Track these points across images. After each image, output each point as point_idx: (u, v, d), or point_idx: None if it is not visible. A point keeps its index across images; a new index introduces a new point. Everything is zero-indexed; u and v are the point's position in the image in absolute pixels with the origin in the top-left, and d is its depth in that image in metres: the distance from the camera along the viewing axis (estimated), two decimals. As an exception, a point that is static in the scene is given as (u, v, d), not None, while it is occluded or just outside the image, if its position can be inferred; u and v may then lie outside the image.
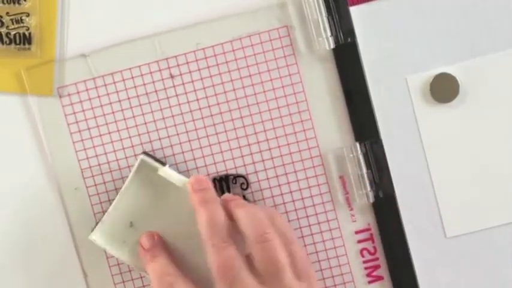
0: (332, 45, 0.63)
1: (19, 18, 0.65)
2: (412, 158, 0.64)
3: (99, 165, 0.66)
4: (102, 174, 0.66)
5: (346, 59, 0.64)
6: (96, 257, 0.66)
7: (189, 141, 0.65)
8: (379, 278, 0.65)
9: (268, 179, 0.65)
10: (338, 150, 0.64)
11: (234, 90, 0.65)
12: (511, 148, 0.63)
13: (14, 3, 0.64)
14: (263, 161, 0.65)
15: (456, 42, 0.63)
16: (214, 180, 0.65)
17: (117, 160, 0.66)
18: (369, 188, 0.63)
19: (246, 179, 0.65)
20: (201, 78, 0.65)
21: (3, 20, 0.64)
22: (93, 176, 0.66)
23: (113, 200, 0.63)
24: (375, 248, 0.65)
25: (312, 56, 0.64)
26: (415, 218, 0.64)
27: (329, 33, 0.63)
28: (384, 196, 0.64)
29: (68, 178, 0.66)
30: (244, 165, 0.65)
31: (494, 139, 0.63)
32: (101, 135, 0.66)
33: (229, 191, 0.65)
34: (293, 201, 0.65)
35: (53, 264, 0.67)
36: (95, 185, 0.66)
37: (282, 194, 0.65)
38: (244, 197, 0.65)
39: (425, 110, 0.63)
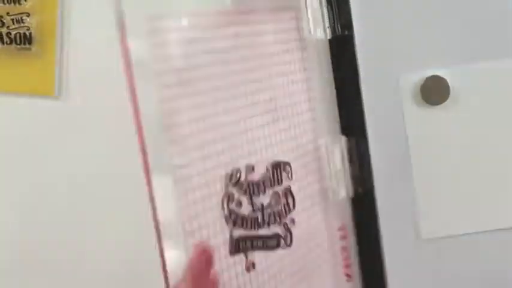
0: (329, 36, 0.61)
1: (20, 18, 0.65)
2: (396, 156, 0.61)
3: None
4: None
5: (342, 51, 0.61)
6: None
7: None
8: (349, 276, 0.62)
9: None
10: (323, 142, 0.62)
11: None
12: (497, 153, 0.61)
13: (14, 3, 0.65)
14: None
15: (451, 46, 0.60)
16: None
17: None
18: (349, 183, 0.61)
19: None
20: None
21: (4, 20, 0.65)
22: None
23: None
24: (349, 245, 0.62)
25: (308, 44, 0.61)
26: (393, 217, 0.61)
27: (327, 24, 0.61)
28: (363, 192, 0.61)
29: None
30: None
31: (481, 144, 0.61)
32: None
33: None
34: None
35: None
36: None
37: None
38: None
39: (414, 110, 0.61)
